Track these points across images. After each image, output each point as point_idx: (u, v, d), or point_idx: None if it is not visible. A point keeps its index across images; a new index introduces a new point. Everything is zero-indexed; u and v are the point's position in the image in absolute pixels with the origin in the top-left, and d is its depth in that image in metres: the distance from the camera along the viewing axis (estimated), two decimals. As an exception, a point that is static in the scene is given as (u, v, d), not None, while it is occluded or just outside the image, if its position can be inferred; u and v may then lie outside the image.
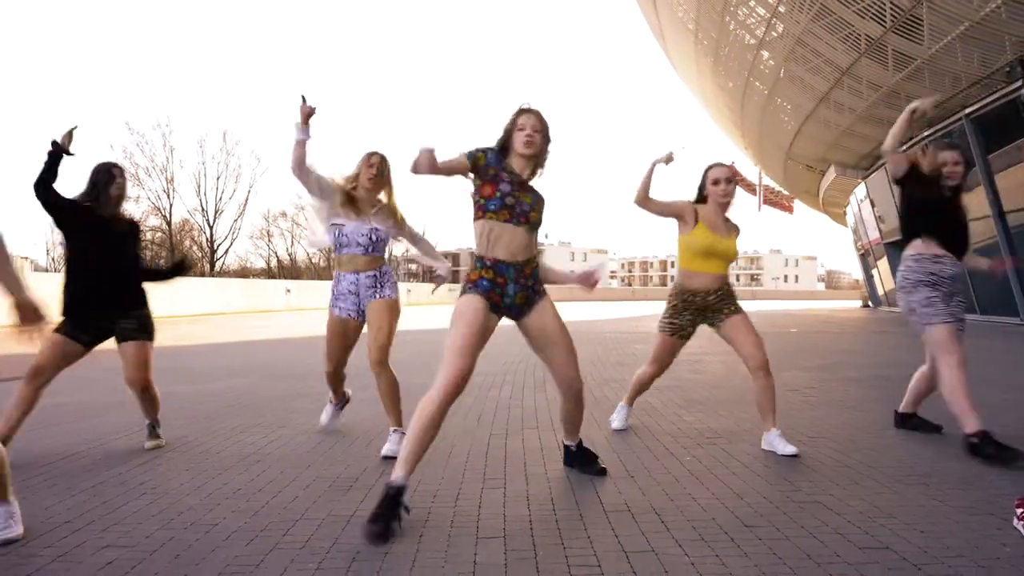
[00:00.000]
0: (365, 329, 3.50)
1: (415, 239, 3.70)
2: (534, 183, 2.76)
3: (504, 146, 2.73)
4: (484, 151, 2.67)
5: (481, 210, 2.63)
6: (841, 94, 17.50)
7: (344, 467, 3.11)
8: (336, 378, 3.73)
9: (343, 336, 3.51)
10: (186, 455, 3.36)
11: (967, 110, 14.88)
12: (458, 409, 4.58)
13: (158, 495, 2.69)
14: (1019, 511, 2.25)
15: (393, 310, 3.45)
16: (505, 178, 2.65)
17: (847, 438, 3.67)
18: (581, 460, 3.04)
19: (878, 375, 6.42)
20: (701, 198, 3.53)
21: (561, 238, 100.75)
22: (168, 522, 2.39)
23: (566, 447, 3.11)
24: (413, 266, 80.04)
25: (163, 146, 45.34)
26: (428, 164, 2.52)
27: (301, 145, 3.22)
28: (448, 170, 2.62)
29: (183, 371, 6.71)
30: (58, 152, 3.24)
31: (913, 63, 14.21)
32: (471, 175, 2.67)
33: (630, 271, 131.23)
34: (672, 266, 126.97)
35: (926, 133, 17.03)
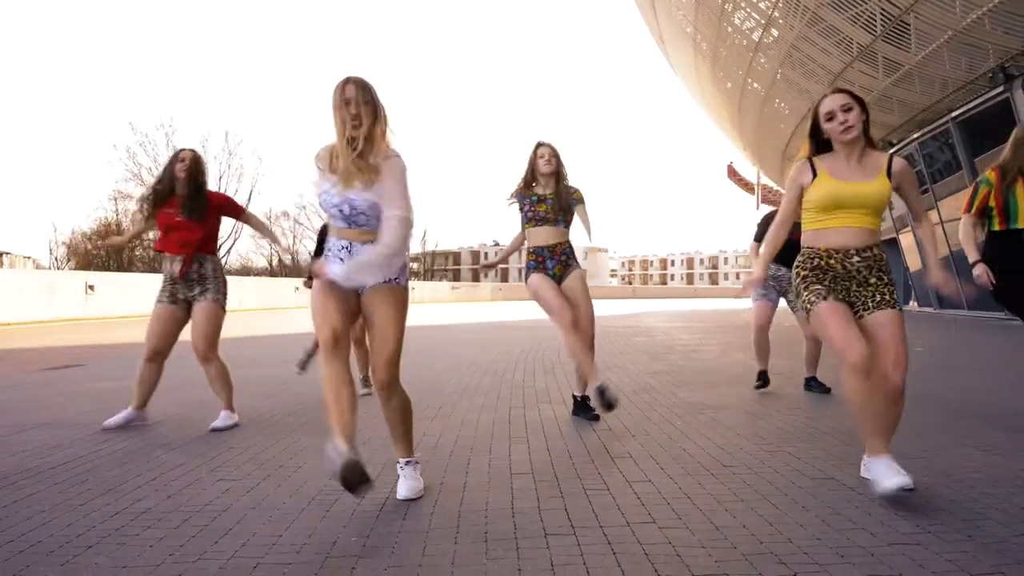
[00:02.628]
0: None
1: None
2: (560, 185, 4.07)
3: (532, 170, 4.09)
4: (514, 195, 4.17)
5: (523, 222, 4.16)
6: (834, 97, 18.06)
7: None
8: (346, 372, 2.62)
9: (343, 299, 2.56)
10: (256, 424, 3.95)
11: (953, 113, 15.47)
12: (477, 391, 5.18)
13: (242, 450, 3.28)
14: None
15: (402, 306, 2.61)
16: (526, 203, 4.11)
17: (817, 408, 4.26)
18: (583, 408, 4.07)
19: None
20: (820, 145, 2.68)
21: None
22: (261, 464, 2.98)
23: (574, 397, 4.15)
24: (415, 265, 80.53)
25: (166, 146, 45.68)
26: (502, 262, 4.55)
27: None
28: (517, 244, 4.33)
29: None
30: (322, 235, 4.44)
31: (902, 68, 14.81)
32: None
33: (630, 270, 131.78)
34: (672, 264, 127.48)
35: (916, 135, 17.64)
